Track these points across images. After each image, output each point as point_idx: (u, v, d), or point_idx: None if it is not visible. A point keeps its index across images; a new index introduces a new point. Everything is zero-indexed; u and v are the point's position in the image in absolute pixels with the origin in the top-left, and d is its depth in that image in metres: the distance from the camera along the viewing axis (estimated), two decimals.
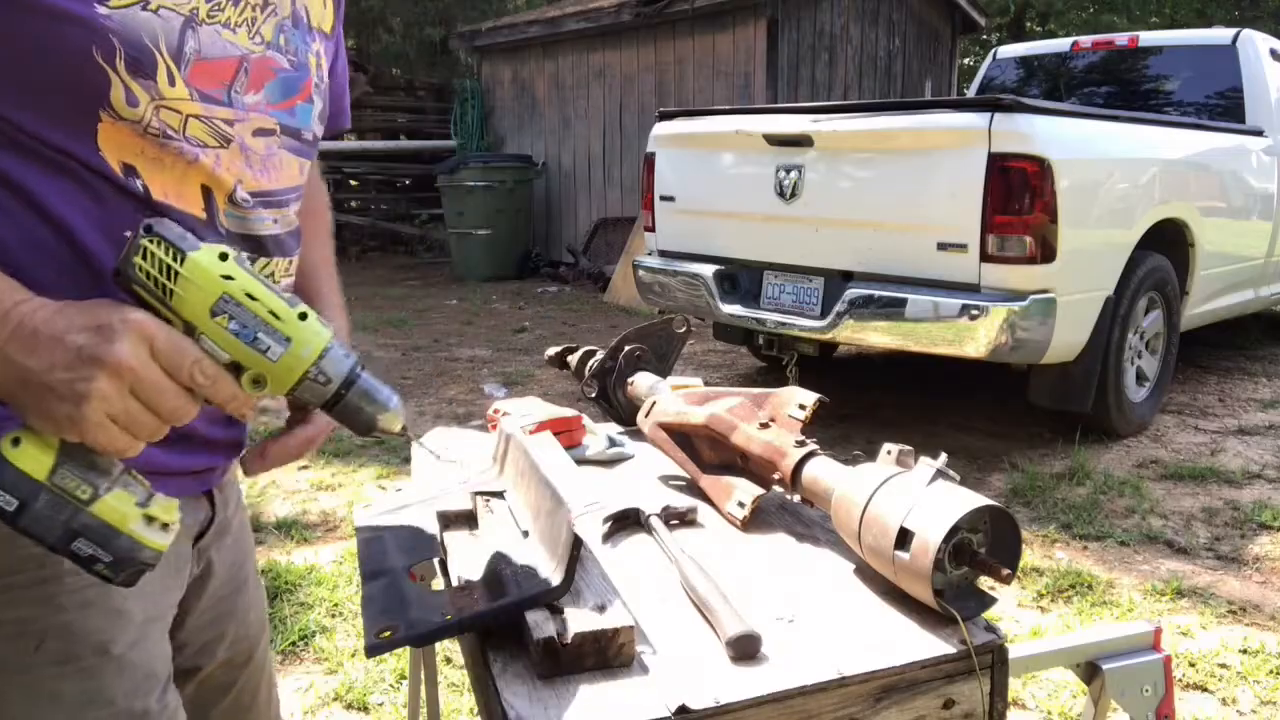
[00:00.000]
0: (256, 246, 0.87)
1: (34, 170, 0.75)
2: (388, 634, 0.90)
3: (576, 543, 0.91)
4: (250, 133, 0.85)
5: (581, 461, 1.47)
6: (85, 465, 0.69)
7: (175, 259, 0.68)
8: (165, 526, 0.72)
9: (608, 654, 0.87)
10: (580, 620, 0.89)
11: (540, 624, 0.88)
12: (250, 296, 0.70)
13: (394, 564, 1.08)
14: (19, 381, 0.66)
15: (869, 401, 4.91)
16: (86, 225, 0.77)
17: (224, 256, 0.71)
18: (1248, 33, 5.43)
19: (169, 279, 0.68)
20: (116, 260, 0.69)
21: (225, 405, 0.72)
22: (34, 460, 0.67)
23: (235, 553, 1.05)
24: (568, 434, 1.48)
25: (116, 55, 0.74)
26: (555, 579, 0.92)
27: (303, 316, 0.73)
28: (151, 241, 0.68)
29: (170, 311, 0.69)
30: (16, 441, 0.67)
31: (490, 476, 1.30)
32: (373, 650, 0.89)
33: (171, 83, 0.78)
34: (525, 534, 1.07)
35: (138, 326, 0.67)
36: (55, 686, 0.79)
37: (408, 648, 1.14)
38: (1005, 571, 0.95)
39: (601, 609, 0.91)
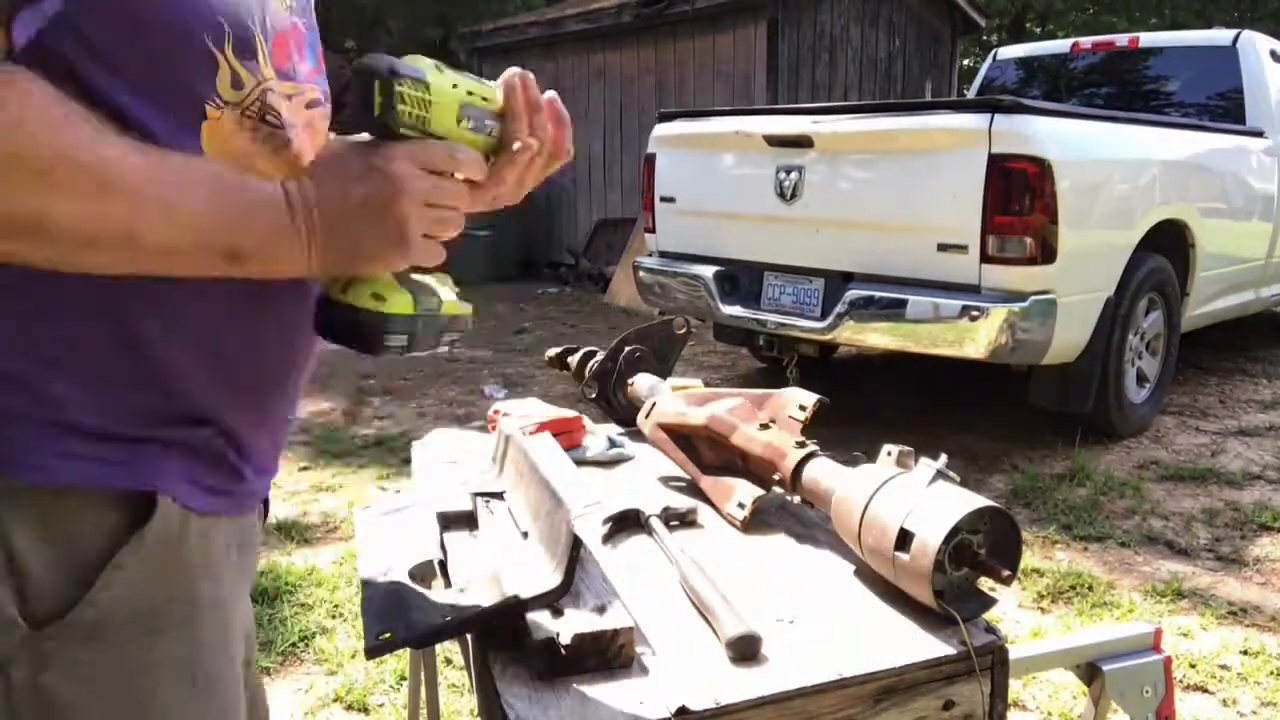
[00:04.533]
0: None
1: None
2: (388, 635, 0.90)
3: (576, 543, 0.91)
4: (305, 105, 0.79)
5: (581, 462, 1.47)
6: (418, 284, 0.80)
7: (424, 91, 0.73)
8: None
9: (608, 655, 0.87)
10: (580, 621, 0.89)
11: (540, 625, 0.88)
12: (470, 93, 0.77)
13: (394, 565, 1.08)
14: (352, 248, 0.72)
15: (869, 402, 4.91)
16: None
17: (440, 68, 0.76)
18: (1248, 34, 5.44)
19: (424, 110, 0.74)
20: (374, 110, 0.71)
21: (478, 177, 0.77)
22: (399, 303, 0.77)
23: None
24: (568, 435, 1.48)
25: (225, 38, 0.69)
26: (555, 580, 0.92)
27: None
28: (402, 84, 0.72)
29: (429, 136, 0.75)
30: (377, 297, 0.76)
31: (490, 477, 1.30)
32: (373, 652, 0.89)
33: (268, 61, 0.73)
34: (525, 535, 1.07)
35: (392, 156, 0.72)
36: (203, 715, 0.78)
37: (408, 649, 1.14)
38: (1005, 572, 0.95)
39: (601, 610, 0.91)
